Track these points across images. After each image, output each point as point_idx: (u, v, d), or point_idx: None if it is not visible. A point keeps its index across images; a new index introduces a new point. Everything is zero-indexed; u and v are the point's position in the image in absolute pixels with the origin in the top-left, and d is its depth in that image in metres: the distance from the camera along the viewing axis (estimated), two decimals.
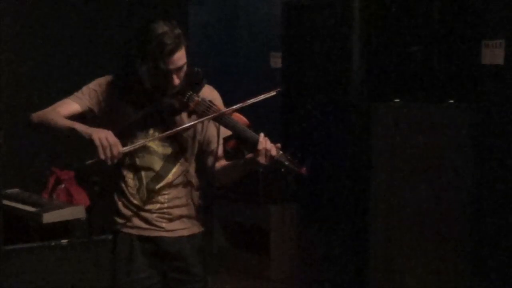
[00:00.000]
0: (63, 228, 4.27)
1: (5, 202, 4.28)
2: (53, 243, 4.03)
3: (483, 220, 4.62)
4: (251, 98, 2.66)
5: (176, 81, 2.61)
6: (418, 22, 5.24)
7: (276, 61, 6.54)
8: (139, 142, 2.66)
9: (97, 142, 2.49)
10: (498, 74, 4.63)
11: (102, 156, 2.50)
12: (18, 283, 3.89)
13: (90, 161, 2.52)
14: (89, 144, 2.51)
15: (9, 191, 4.67)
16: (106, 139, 2.50)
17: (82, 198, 4.82)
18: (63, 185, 4.90)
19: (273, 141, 2.63)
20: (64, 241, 4.07)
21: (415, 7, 5.25)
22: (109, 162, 2.55)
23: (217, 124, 2.67)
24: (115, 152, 2.51)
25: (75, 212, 4.37)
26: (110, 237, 4.01)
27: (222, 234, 5.98)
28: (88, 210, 4.57)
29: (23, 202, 4.51)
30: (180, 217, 2.80)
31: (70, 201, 4.77)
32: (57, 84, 5.08)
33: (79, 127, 2.57)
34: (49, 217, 4.24)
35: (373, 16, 5.30)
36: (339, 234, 5.29)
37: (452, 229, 4.46)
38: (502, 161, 4.61)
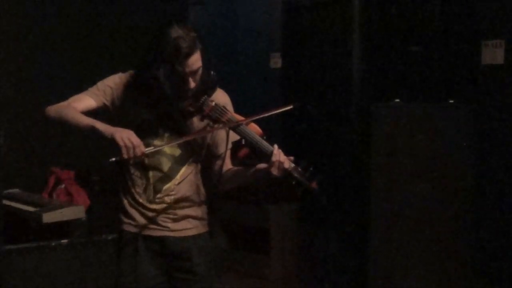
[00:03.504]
0: (63, 228, 4.28)
1: (5, 202, 4.28)
2: (53, 243, 4.03)
3: (483, 220, 4.62)
4: (264, 109, 2.69)
5: (192, 84, 2.61)
6: (418, 22, 5.24)
7: (276, 61, 6.54)
8: (159, 145, 2.68)
9: (121, 143, 2.49)
10: (498, 74, 4.63)
11: (126, 156, 2.49)
12: (18, 283, 3.89)
13: (114, 159, 2.51)
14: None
15: (9, 191, 4.68)
16: (129, 139, 2.50)
17: (82, 198, 4.82)
18: (63, 185, 4.91)
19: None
20: (64, 241, 4.07)
21: (415, 7, 5.25)
22: (131, 161, 2.55)
23: (227, 129, 2.67)
24: (138, 153, 2.51)
25: (75, 212, 4.37)
26: (109, 237, 4.06)
27: (222, 234, 5.98)
28: (88, 210, 4.58)
29: (23, 202, 4.51)
30: (185, 217, 2.80)
31: (70, 201, 4.77)
32: (58, 84, 5.09)
33: (100, 126, 2.56)
34: (49, 217, 4.25)
35: (373, 16, 5.30)
36: (339, 234, 5.29)
37: (452, 229, 4.46)
38: (502, 161, 4.61)
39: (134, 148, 2.50)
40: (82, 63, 5.30)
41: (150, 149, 2.61)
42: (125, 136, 2.50)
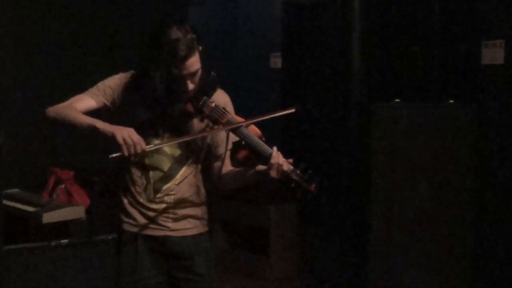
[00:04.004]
0: (63, 228, 4.27)
1: (5, 202, 4.28)
2: (53, 243, 4.03)
3: (483, 220, 4.62)
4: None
5: (190, 86, 2.60)
6: (418, 22, 5.24)
7: (276, 61, 6.54)
8: (160, 144, 2.68)
9: (121, 141, 2.49)
10: (498, 74, 4.63)
11: (126, 153, 2.50)
12: (18, 283, 3.89)
13: (113, 155, 2.52)
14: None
15: (9, 191, 4.68)
16: (130, 137, 2.50)
17: (82, 198, 4.82)
18: (63, 185, 4.90)
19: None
20: (64, 241, 4.07)
21: (415, 7, 5.25)
22: (132, 158, 2.57)
23: (227, 130, 2.67)
24: (139, 150, 2.52)
25: (75, 212, 4.37)
26: (109, 237, 4.05)
27: (222, 234, 5.98)
28: (88, 210, 4.57)
29: (23, 202, 4.51)
30: (185, 216, 2.81)
31: (70, 201, 4.77)
32: (58, 84, 5.09)
33: (101, 125, 2.56)
34: (49, 217, 4.25)
35: (373, 16, 5.30)
36: (339, 234, 5.29)
37: (452, 229, 4.46)
38: (502, 161, 4.62)
39: (134, 145, 2.50)
40: (81, 63, 5.30)
41: (150, 147, 2.61)
42: (126, 134, 2.50)
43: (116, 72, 2.79)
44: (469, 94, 4.80)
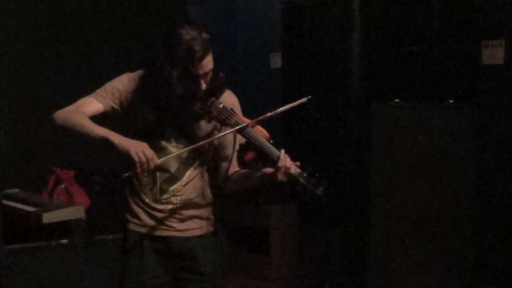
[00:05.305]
0: (63, 228, 4.27)
1: (5, 202, 4.28)
2: (53, 243, 4.03)
3: (483, 220, 4.62)
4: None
5: (203, 85, 2.60)
6: (418, 22, 5.25)
7: (276, 61, 6.54)
8: (172, 154, 2.66)
9: (135, 157, 2.48)
10: (498, 74, 4.63)
11: (139, 170, 2.50)
12: (18, 283, 3.89)
13: (127, 174, 2.53)
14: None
15: (9, 191, 4.68)
16: (143, 152, 2.49)
17: (82, 198, 4.82)
18: (63, 185, 4.90)
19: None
20: (64, 241, 4.07)
21: (415, 7, 5.26)
22: (145, 174, 2.58)
23: (235, 132, 2.66)
24: (152, 166, 2.52)
25: (75, 212, 4.37)
26: (109, 237, 4.06)
27: (222, 234, 5.98)
28: (88, 210, 4.57)
29: (23, 202, 4.51)
30: (191, 217, 2.81)
31: (70, 201, 4.77)
32: (58, 84, 5.09)
33: (114, 138, 2.54)
34: (49, 217, 4.25)
35: (373, 16, 5.30)
36: (339, 234, 5.29)
37: (452, 229, 4.46)
38: (502, 161, 4.62)
39: (148, 161, 2.49)
40: (80, 62, 5.29)
41: (162, 160, 2.59)
42: (140, 150, 2.49)
43: (115, 72, 2.78)
44: (469, 94, 4.80)
